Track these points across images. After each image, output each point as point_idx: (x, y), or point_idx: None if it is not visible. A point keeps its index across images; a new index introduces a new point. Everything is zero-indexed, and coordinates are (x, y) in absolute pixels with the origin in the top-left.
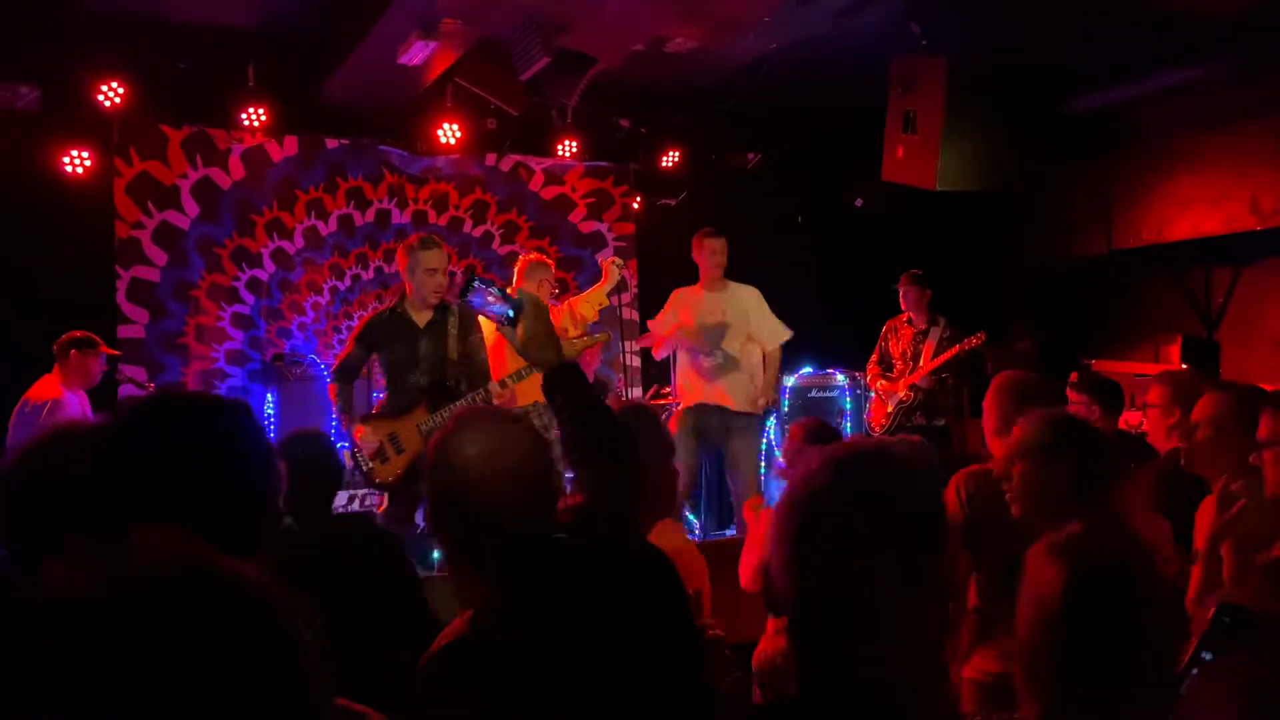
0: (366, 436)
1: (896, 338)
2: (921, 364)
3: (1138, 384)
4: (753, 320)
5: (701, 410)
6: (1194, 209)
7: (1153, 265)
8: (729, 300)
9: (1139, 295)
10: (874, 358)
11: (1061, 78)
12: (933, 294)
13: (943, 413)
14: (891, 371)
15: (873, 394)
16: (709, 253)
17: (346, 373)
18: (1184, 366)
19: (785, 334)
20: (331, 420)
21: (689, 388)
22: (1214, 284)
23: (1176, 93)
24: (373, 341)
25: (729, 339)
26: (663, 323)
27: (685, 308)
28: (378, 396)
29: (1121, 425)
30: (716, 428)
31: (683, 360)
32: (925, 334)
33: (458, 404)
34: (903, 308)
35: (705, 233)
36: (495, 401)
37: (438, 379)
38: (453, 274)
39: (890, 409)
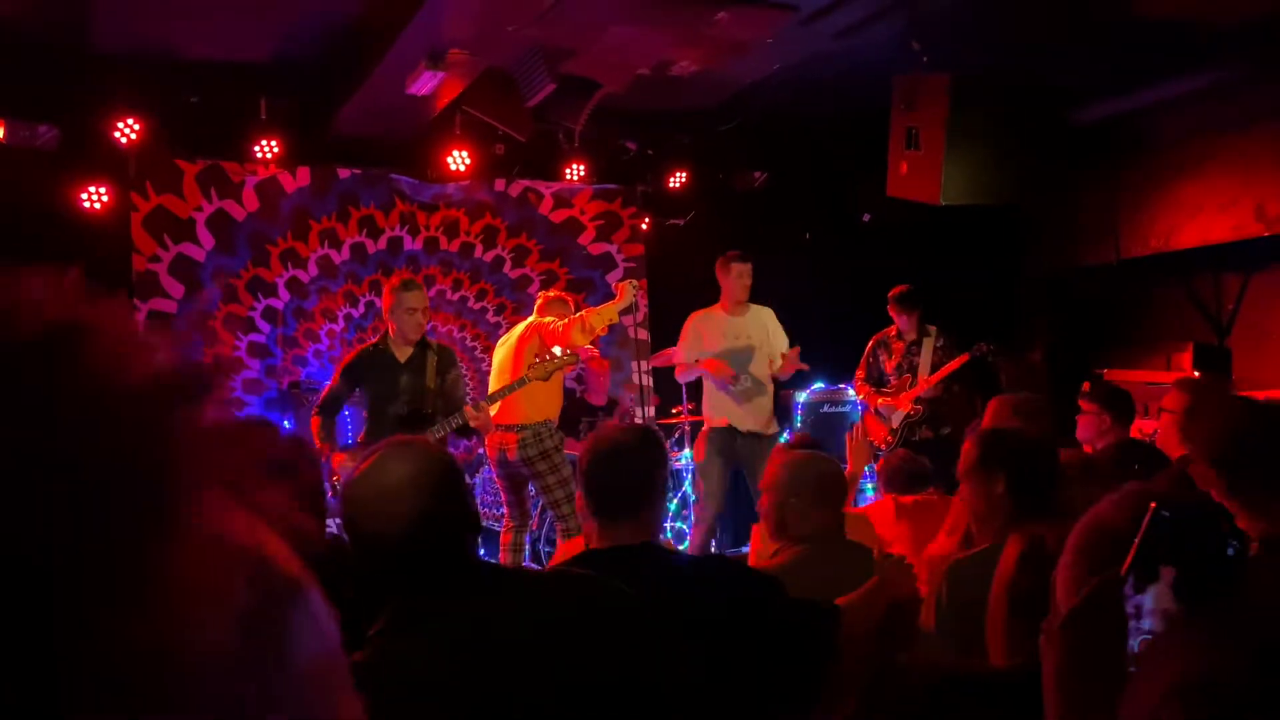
0: (345, 464)
1: (888, 352)
2: (920, 376)
3: (1150, 392)
4: (772, 340)
5: (732, 433)
6: (1201, 216)
7: (1162, 273)
8: (752, 323)
9: (1149, 303)
10: (861, 374)
11: (1065, 89)
12: (922, 311)
13: (948, 422)
14: (886, 387)
15: (867, 409)
16: (736, 275)
17: (330, 406)
18: (1197, 374)
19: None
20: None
21: (717, 410)
22: (1223, 291)
23: (1181, 101)
24: (356, 377)
25: (756, 362)
26: (688, 353)
27: (709, 333)
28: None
29: (1134, 433)
30: (745, 451)
31: (710, 382)
32: (918, 344)
33: (433, 429)
34: (896, 325)
35: (732, 256)
36: (471, 423)
37: (416, 408)
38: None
39: (895, 425)
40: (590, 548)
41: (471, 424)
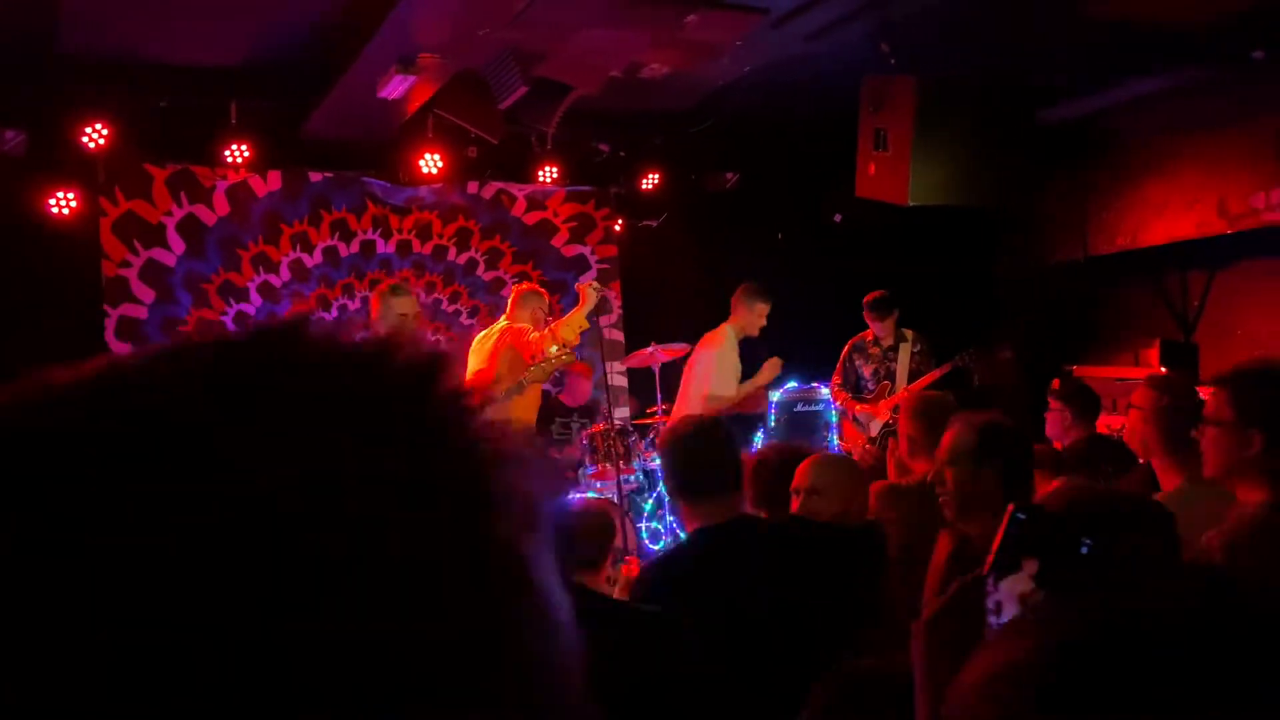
0: None
1: (865, 358)
2: (899, 383)
3: (1118, 388)
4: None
5: None
6: (1166, 214)
7: (1129, 270)
8: None
9: (1117, 300)
10: (838, 379)
11: (1033, 89)
12: (899, 314)
13: None
14: (863, 393)
15: (844, 414)
16: (759, 315)
17: None
18: (1164, 370)
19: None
20: None
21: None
22: (1189, 288)
23: (1146, 101)
24: None
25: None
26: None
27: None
28: None
29: (1102, 429)
30: None
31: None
32: (895, 350)
33: None
34: (868, 323)
35: (759, 293)
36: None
37: None
38: None
39: (874, 434)
40: (692, 527)
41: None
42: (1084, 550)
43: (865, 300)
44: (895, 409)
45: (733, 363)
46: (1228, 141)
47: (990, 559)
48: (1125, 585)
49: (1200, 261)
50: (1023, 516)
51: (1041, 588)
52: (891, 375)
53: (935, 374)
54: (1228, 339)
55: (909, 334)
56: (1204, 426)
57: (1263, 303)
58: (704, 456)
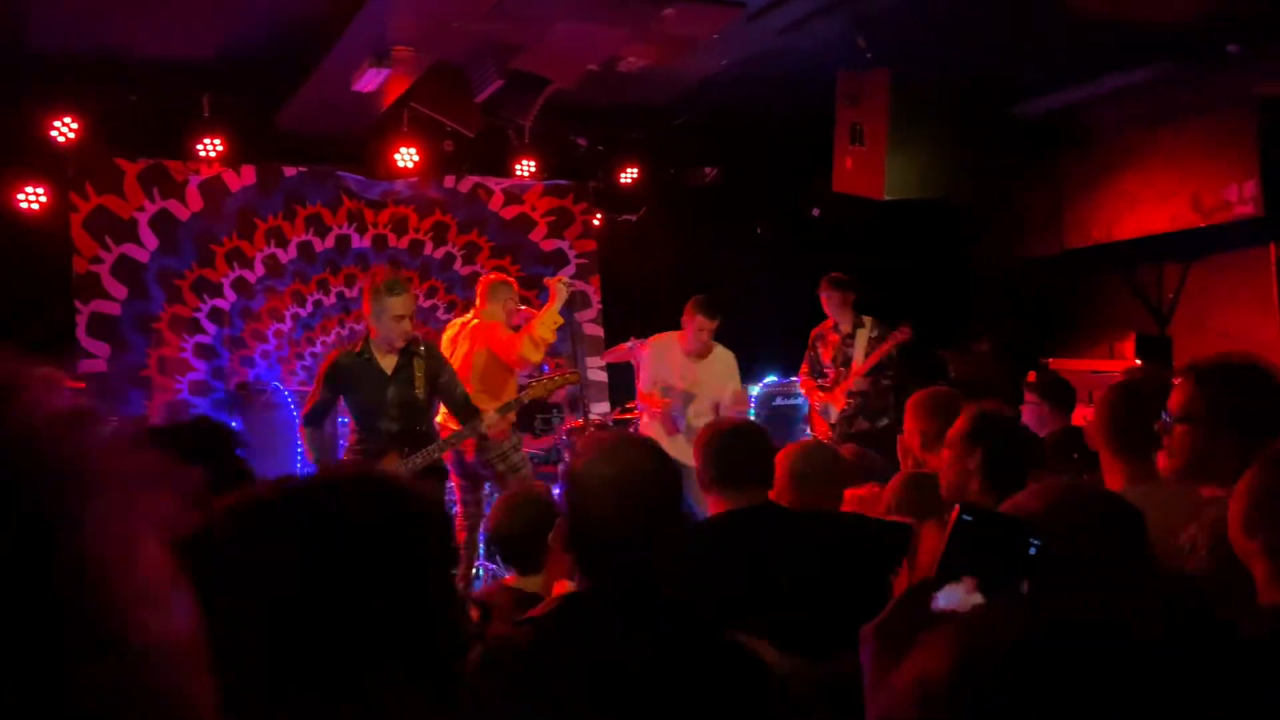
0: None
1: (825, 344)
2: (854, 368)
3: (1094, 380)
4: (724, 385)
5: None
6: (1141, 208)
7: (1104, 264)
8: (707, 369)
9: (1092, 293)
10: (804, 368)
11: (1008, 84)
12: (856, 296)
13: (884, 413)
14: (825, 379)
15: (811, 405)
16: (697, 329)
17: (316, 416)
18: (1138, 363)
19: (740, 398)
20: (297, 448)
21: (654, 431)
22: (1164, 281)
23: (1121, 96)
24: (339, 385)
25: (698, 405)
26: (644, 372)
27: (663, 369)
28: (343, 421)
29: (1078, 422)
30: None
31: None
32: (852, 337)
33: (430, 449)
34: (826, 313)
35: (700, 307)
36: (488, 431)
37: (407, 426)
38: None
39: (833, 420)
40: (720, 511)
41: (490, 434)
42: (1032, 552)
43: (824, 279)
44: (850, 394)
45: (653, 360)
46: (1201, 135)
47: (938, 563)
48: (1077, 588)
49: (1175, 254)
50: (969, 518)
51: (984, 593)
52: (848, 362)
53: (877, 354)
54: (1202, 331)
55: (867, 320)
56: (1171, 423)
57: (1236, 295)
58: (741, 452)
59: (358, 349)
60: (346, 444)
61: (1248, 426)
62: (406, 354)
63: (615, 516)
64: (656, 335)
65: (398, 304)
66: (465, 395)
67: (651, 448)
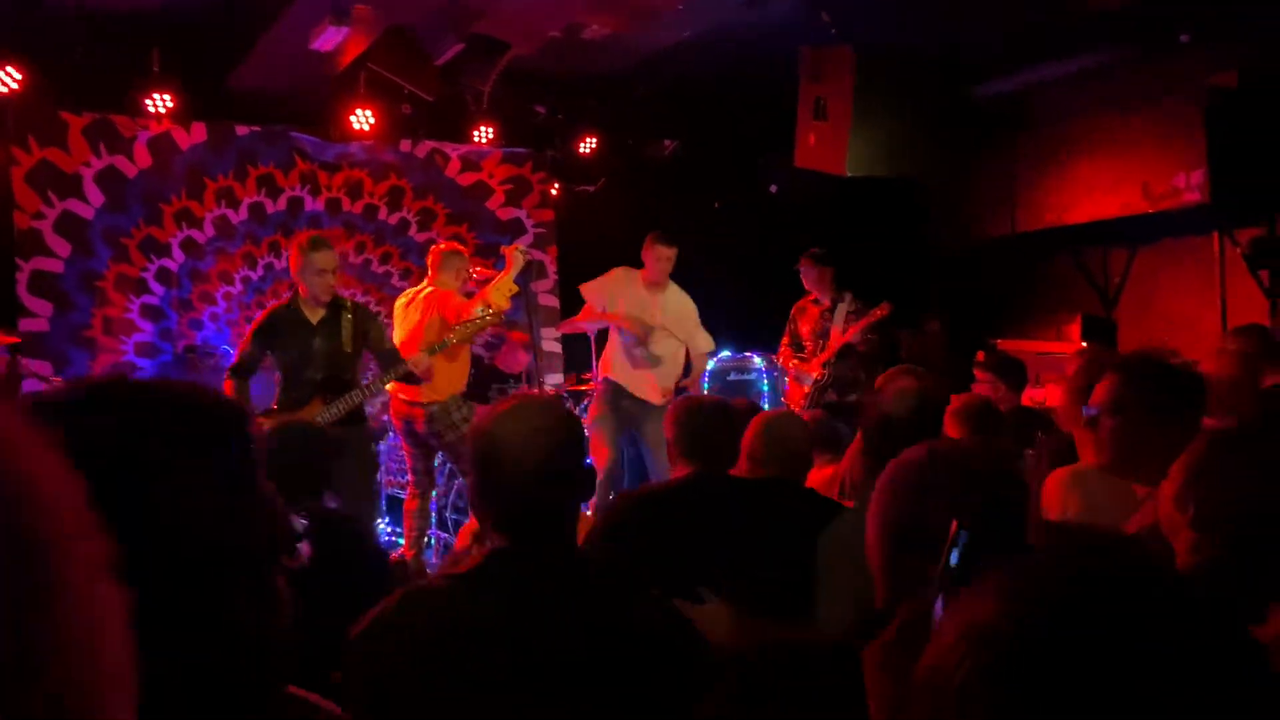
0: (262, 428)
1: (805, 318)
2: (831, 341)
3: (1042, 362)
4: (687, 327)
5: (621, 392)
6: (1092, 193)
7: (1055, 247)
8: (667, 303)
9: (1043, 276)
10: (785, 340)
11: (966, 65)
12: (835, 271)
13: (854, 389)
14: (804, 352)
15: (788, 375)
16: (656, 258)
17: (243, 369)
18: (1084, 344)
19: (710, 345)
20: None
21: (616, 365)
22: (1111, 265)
23: (1074, 80)
24: (268, 339)
25: (660, 339)
26: (597, 298)
27: (623, 297)
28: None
29: (1026, 402)
30: (633, 412)
31: (614, 337)
32: (832, 311)
33: (352, 394)
34: (806, 288)
35: (657, 236)
36: (416, 371)
37: (332, 373)
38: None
39: (807, 389)
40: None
41: (416, 371)
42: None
43: (804, 255)
44: (827, 363)
45: (615, 283)
46: (1152, 122)
47: (936, 582)
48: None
49: (1123, 239)
50: (967, 535)
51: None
52: (827, 335)
53: (855, 329)
54: (1147, 315)
55: (847, 295)
56: (1100, 416)
57: (1181, 280)
58: (711, 429)
59: (287, 303)
60: (274, 396)
61: (1170, 419)
62: (334, 308)
63: (518, 473)
64: (623, 266)
65: (320, 259)
66: (394, 348)
67: (554, 405)
